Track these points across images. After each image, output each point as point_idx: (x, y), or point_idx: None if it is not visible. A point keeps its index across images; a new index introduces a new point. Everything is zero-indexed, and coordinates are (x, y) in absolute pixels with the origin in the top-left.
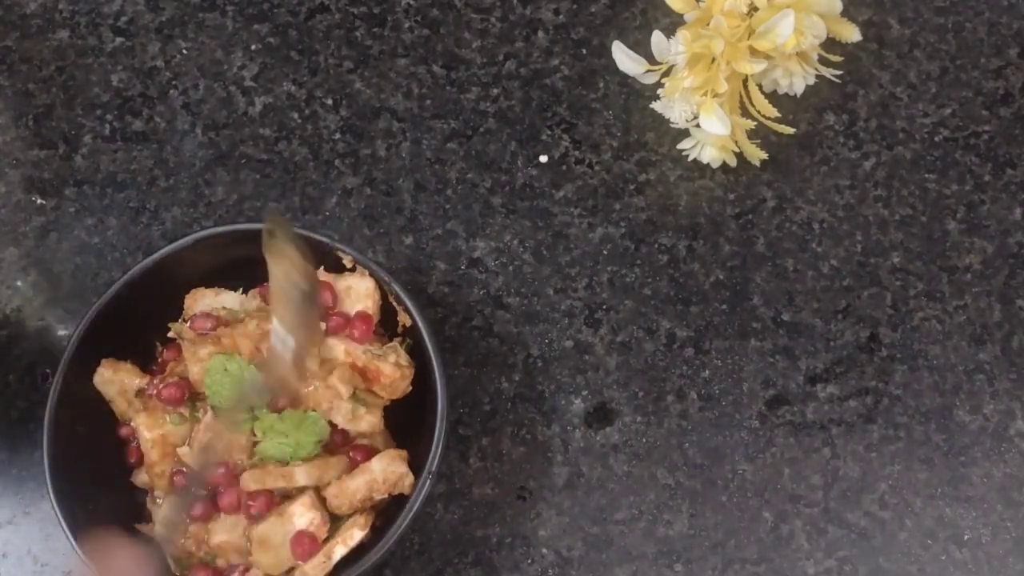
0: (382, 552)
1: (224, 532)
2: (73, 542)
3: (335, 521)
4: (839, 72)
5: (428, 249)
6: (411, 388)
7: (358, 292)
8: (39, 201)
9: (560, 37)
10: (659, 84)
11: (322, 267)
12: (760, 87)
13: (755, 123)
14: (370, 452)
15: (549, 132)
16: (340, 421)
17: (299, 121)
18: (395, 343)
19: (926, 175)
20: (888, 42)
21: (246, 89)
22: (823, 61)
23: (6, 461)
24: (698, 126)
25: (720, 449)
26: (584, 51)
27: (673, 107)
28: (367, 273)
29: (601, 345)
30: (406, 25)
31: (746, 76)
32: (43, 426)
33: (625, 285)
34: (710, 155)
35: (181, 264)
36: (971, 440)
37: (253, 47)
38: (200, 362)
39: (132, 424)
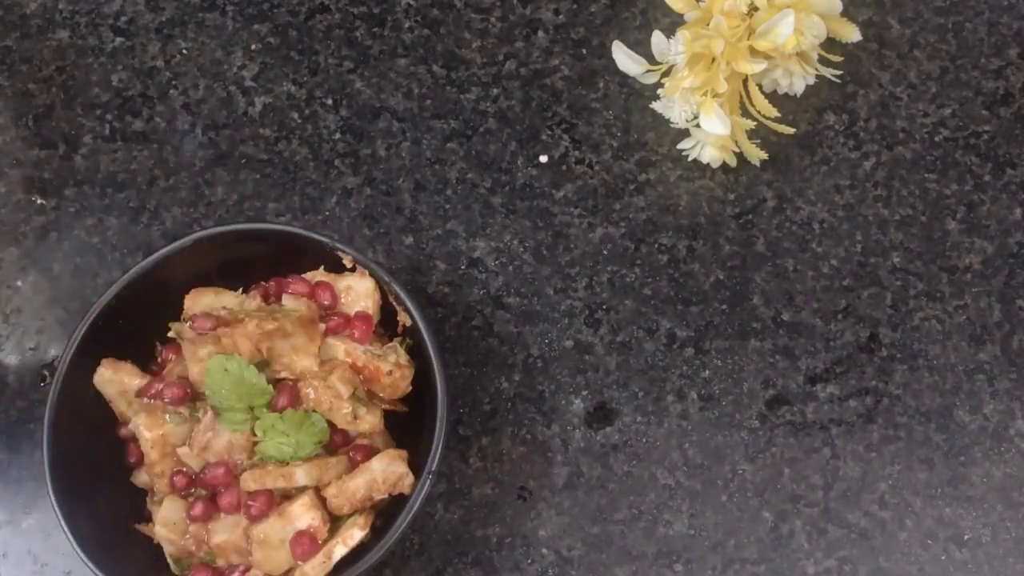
0: (382, 552)
1: (224, 532)
2: (73, 542)
3: (335, 521)
4: (839, 72)
5: (428, 249)
6: (411, 388)
7: (358, 292)
8: (39, 201)
9: (560, 37)
10: (659, 84)
11: (322, 267)
12: (760, 87)
13: (755, 123)
14: (370, 452)
15: (549, 132)
16: (340, 421)
17: (299, 121)
18: (395, 343)
19: (926, 175)
20: (888, 42)
21: (246, 89)
22: (823, 61)
23: (6, 461)
24: (698, 126)
25: (720, 449)
26: (584, 51)
27: (673, 107)
28: (367, 273)
29: (601, 345)
30: (406, 25)
31: (746, 76)
32: (43, 426)
33: (625, 285)
34: (710, 155)
35: (181, 264)
36: (971, 440)
37: (253, 47)
38: (200, 362)
39: (132, 424)
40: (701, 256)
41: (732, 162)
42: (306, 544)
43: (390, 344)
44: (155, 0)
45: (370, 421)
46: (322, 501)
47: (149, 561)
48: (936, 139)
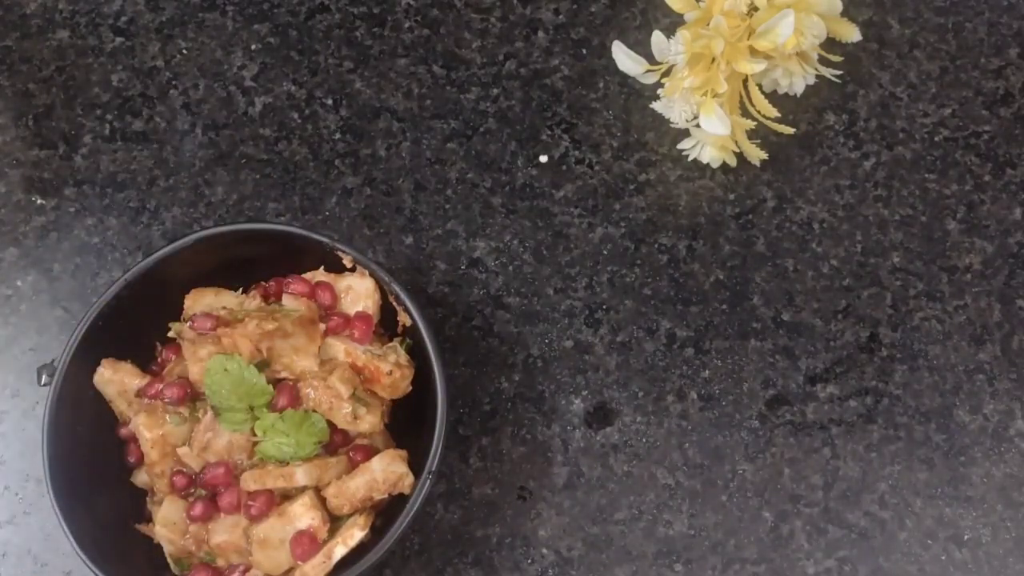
0: (382, 552)
1: (224, 532)
2: (73, 542)
3: (335, 521)
4: (839, 72)
5: (428, 249)
6: (411, 388)
7: (358, 292)
8: (39, 201)
9: (560, 37)
10: (659, 84)
11: (322, 267)
12: (760, 87)
13: (755, 123)
14: (370, 452)
15: (549, 132)
16: (340, 421)
17: (299, 121)
18: (395, 343)
19: (926, 175)
20: (888, 42)
21: (246, 89)
22: (823, 61)
23: (6, 461)
24: (698, 126)
25: (720, 449)
26: (584, 51)
27: (673, 107)
28: (367, 273)
29: (601, 345)
30: (406, 25)
31: (746, 76)
32: (43, 426)
33: (625, 285)
34: (710, 155)
35: (181, 264)
36: (971, 440)
37: (253, 47)
38: (200, 362)
39: (132, 424)
40: (701, 256)
41: (732, 162)
42: (306, 544)
43: (390, 344)
44: (155, 0)
45: (370, 421)
46: (322, 501)
47: (149, 561)
48: (936, 139)
